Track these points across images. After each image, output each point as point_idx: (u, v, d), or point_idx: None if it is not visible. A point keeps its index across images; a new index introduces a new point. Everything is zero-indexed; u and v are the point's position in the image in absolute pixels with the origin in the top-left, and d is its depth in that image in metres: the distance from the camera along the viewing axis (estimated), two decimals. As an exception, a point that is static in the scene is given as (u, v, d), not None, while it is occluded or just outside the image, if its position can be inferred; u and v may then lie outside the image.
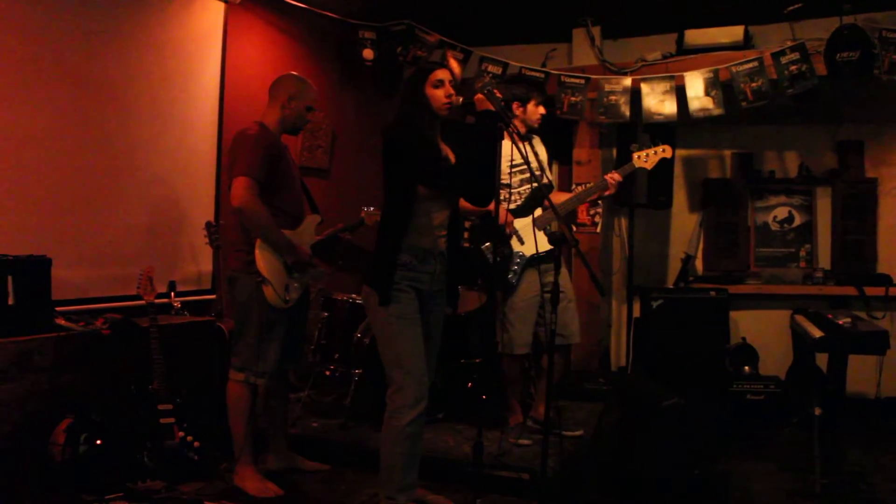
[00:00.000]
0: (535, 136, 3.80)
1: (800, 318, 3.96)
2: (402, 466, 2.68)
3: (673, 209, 5.48)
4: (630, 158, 3.70)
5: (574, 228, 4.98)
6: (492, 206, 2.85)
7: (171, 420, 3.21)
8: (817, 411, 3.35)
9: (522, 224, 3.66)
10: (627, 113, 4.87)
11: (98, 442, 3.04)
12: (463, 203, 2.93)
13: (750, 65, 4.58)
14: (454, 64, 2.92)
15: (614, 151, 5.41)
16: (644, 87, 4.81)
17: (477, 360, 4.18)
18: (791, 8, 4.45)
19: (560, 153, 5.47)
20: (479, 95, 2.65)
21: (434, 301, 2.84)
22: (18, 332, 2.97)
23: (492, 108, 2.62)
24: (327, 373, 4.08)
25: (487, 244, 3.69)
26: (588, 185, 3.79)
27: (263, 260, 3.09)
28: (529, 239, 3.62)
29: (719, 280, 5.29)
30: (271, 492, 3.12)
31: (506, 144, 2.80)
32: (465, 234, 3.70)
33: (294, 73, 3.40)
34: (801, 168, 5.39)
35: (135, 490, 2.94)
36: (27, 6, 3.28)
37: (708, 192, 5.58)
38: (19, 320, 3.00)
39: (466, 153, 2.77)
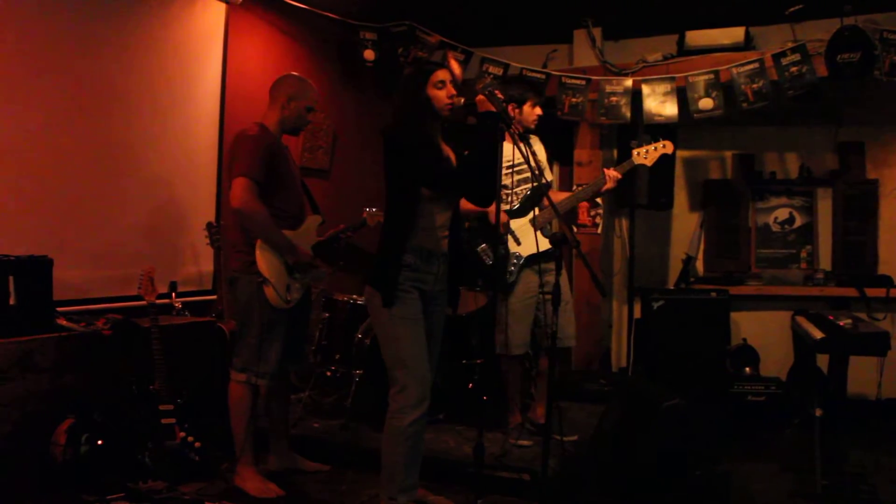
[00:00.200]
0: (532, 136, 3.79)
1: (801, 320, 3.96)
2: (404, 467, 2.69)
3: (674, 210, 5.48)
4: (630, 156, 3.67)
5: (575, 229, 4.98)
6: (493, 208, 2.85)
7: (172, 420, 3.21)
8: (818, 412, 3.34)
9: (519, 224, 3.66)
10: (628, 114, 4.87)
11: (99, 442, 3.04)
12: (464, 204, 2.93)
13: (751, 66, 4.58)
14: (455, 65, 2.93)
15: (615, 152, 5.41)
16: (645, 88, 4.82)
17: (478, 361, 4.18)
18: (792, 9, 4.45)
19: (561, 154, 5.47)
20: (481, 96, 2.65)
21: (436, 302, 2.84)
22: (20, 333, 2.98)
23: (493, 108, 2.62)
24: (328, 373, 4.08)
25: (483, 245, 3.69)
26: (586, 185, 3.79)
27: (264, 260, 3.10)
28: (526, 239, 3.62)
29: (720, 281, 5.29)
30: (272, 492, 3.12)
31: (505, 145, 2.80)
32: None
33: (295, 73, 3.41)
34: (802, 169, 5.39)
35: (136, 490, 2.94)
36: (28, 6, 3.28)
37: (709, 193, 5.58)
38: (20, 320, 3.01)
39: (468, 154, 2.77)
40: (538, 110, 3.72)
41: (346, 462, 3.51)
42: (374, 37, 5.10)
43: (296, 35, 4.95)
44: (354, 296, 4.13)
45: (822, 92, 4.48)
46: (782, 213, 5.47)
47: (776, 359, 4.98)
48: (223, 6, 4.27)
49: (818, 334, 3.55)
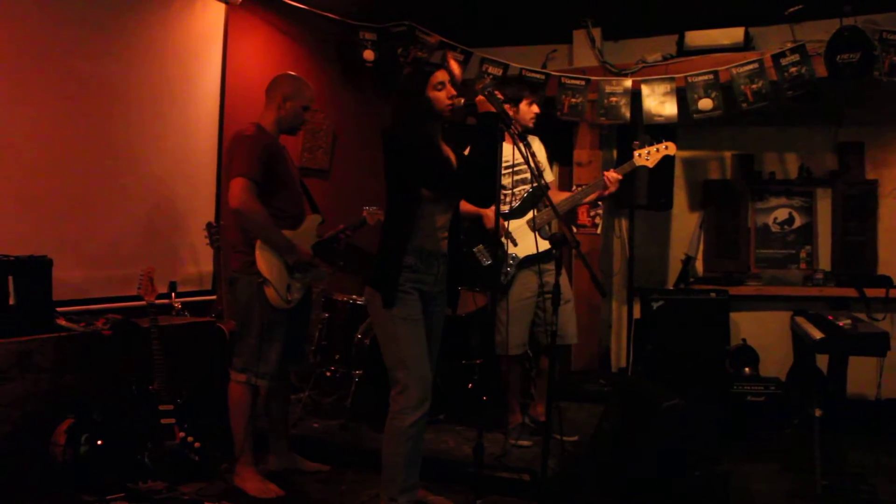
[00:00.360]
0: (532, 136, 3.78)
1: (800, 320, 3.96)
2: (404, 467, 2.69)
3: (673, 210, 5.48)
4: (631, 157, 3.62)
5: (574, 230, 4.98)
6: (490, 210, 2.85)
7: (172, 420, 3.21)
8: (818, 412, 3.35)
9: (517, 225, 3.66)
10: (628, 114, 4.88)
11: (99, 442, 3.04)
12: (464, 205, 2.93)
13: (750, 66, 4.59)
14: (454, 65, 2.92)
15: (615, 153, 5.42)
16: (644, 89, 4.82)
17: (477, 362, 4.18)
18: (791, 9, 4.45)
19: (560, 154, 5.48)
20: (480, 97, 2.65)
21: (436, 302, 2.84)
22: (19, 333, 2.98)
23: (492, 109, 2.62)
24: (328, 374, 4.08)
25: (479, 247, 3.69)
26: (586, 186, 3.78)
27: (264, 260, 3.09)
28: (524, 241, 3.62)
29: (720, 281, 5.29)
30: (272, 492, 3.12)
31: (505, 146, 2.80)
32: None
33: (291, 72, 3.40)
34: (802, 169, 5.39)
35: (135, 490, 2.93)
36: (28, 7, 3.28)
37: (708, 193, 5.59)
38: (20, 321, 3.01)
39: (468, 155, 2.77)
40: (535, 108, 3.71)
41: (345, 462, 3.51)
42: (373, 37, 5.10)
43: (295, 35, 4.95)
44: (354, 296, 4.13)
45: (821, 92, 4.49)
46: (782, 214, 5.47)
47: (776, 359, 4.98)
48: (223, 6, 4.27)
49: (818, 334, 3.56)
